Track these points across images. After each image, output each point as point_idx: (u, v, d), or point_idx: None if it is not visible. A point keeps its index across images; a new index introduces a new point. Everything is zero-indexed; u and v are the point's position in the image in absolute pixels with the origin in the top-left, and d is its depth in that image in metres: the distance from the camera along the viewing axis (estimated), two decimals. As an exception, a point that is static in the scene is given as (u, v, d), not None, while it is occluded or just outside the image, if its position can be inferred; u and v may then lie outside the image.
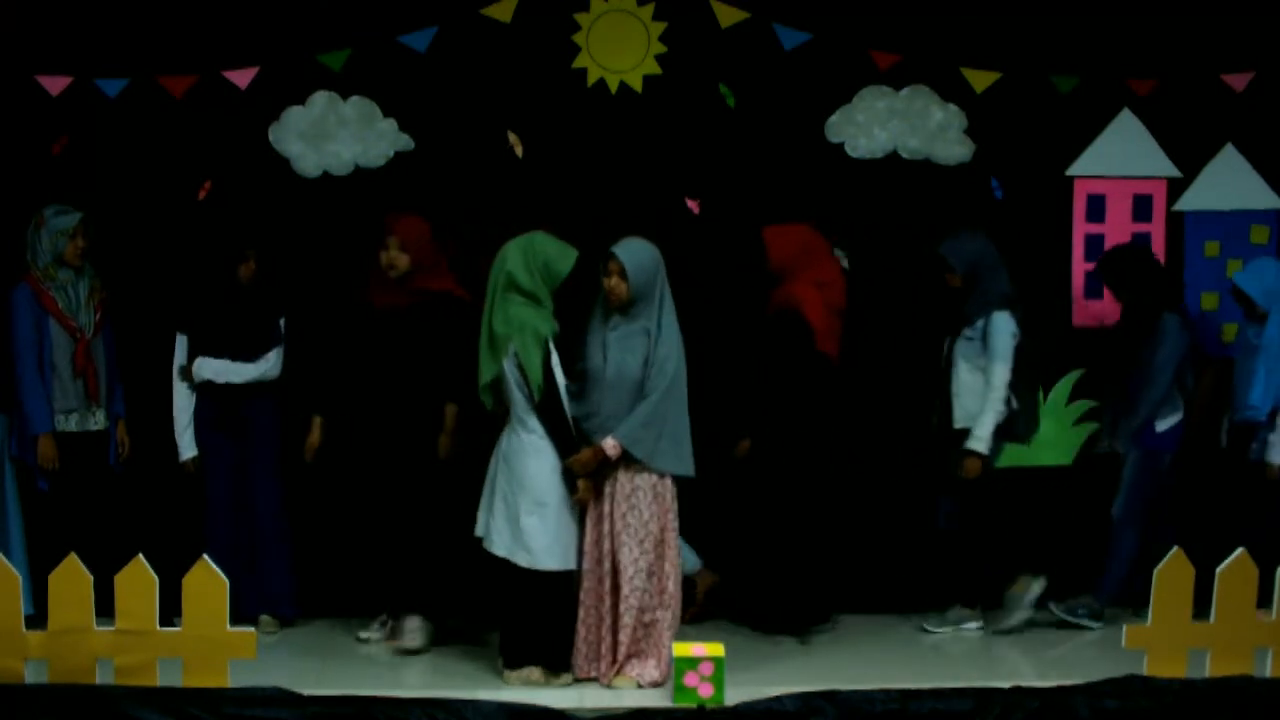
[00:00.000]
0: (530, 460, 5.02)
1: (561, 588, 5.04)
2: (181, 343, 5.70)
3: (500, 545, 5.05)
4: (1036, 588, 5.85)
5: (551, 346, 5.01)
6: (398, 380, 5.47)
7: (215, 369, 5.64)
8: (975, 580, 5.89)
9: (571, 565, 5.05)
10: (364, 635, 5.64)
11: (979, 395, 5.68)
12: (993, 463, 5.73)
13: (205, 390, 5.68)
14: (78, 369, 5.59)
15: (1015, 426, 5.77)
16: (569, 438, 5.00)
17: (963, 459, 5.65)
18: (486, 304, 5.10)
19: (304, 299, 5.84)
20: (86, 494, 5.61)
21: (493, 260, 5.12)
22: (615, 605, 4.99)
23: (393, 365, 5.47)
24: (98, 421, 5.68)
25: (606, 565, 5.01)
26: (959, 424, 5.74)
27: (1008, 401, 5.68)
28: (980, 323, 5.69)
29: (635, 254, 5.01)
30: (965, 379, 5.73)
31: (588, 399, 5.06)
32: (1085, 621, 5.86)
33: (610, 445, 4.94)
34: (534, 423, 5.02)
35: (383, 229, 5.48)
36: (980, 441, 5.65)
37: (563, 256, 5.05)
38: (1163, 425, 5.86)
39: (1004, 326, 5.64)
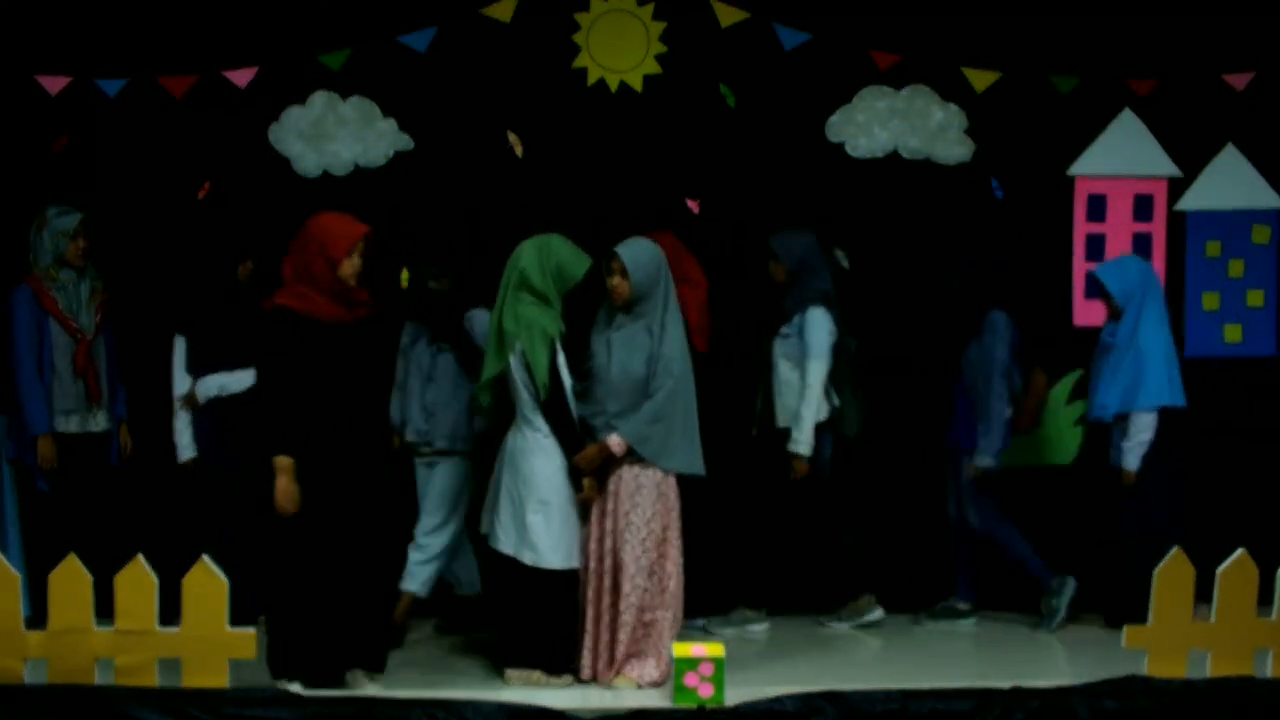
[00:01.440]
0: (536, 459, 5.02)
1: (565, 586, 5.04)
2: (181, 344, 5.70)
3: (506, 543, 5.05)
4: (873, 615, 5.81)
5: (558, 346, 5.03)
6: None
7: (218, 384, 5.63)
8: (759, 581, 5.84)
9: (575, 564, 5.05)
10: None
11: (799, 393, 5.62)
12: (822, 462, 5.68)
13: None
14: (78, 370, 5.58)
15: (840, 423, 5.69)
16: (575, 436, 5.01)
17: (790, 460, 5.62)
18: (497, 301, 5.12)
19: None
20: (86, 495, 5.61)
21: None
22: (615, 604, 4.99)
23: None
24: (98, 423, 5.68)
25: (608, 563, 5.01)
26: (781, 423, 5.68)
27: (829, 398, 5.61)
28: (797, 319, 5.64)
29: (637, 254, 5.02)
30: (785, 377, 5.67)
31: (593, 398, 5.07)
32: (959, 624, 5.85)
33: (615, 442, 4.94)
34: (539, 422, 5.03)
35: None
36: (800, 443, 5.59)
37: (577, 261, 5.08)
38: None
39: (820, 322, 5.56)
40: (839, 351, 5.65)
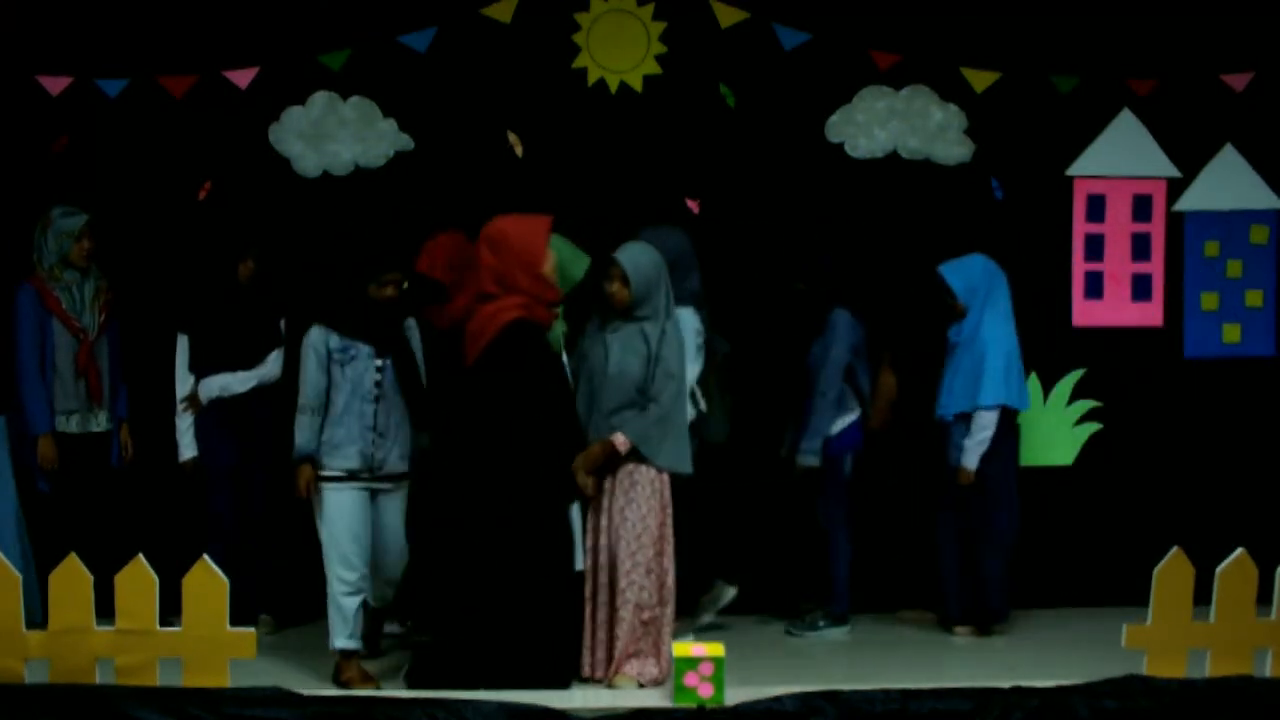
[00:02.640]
0: None
1: (569, 588, 5.05)
2: (183, 343, 5.70)
3: None
4: (727, 595, 5.77)
5: (562, 346, 5.05)
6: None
7: (220, 384, 5.63)
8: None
9: (580, 565, 5.06)
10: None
11: None
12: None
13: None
14: (80, 370, 5.58)
15: (704, 429, 5.53)
16: (580, 436, 5.02)
17: None
18: None
19: (303, 300, 5.84)
20: (87, 495, 5.61)
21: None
22: (613, 602, 5.00)
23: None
24: (99, 423, 5.68)
25: (605, 562, 5.01)
26: None
27: (695, 403, 5.43)
28: None
29: (636, 260, 5.03)
30: None
31: (587, 398, 5.07)
32: (829, 633, 5.80)
33: (620, 441, 4.95)
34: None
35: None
36: None
37: (577, 262, 5.11)
38: (838, 426, 5.74)
39: (687, 323, 5.38)
40: (708, 354, 5.51)
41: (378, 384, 4.97)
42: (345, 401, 4.95)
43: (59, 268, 5.56)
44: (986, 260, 5.76)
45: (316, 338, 4.97)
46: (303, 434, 4.97)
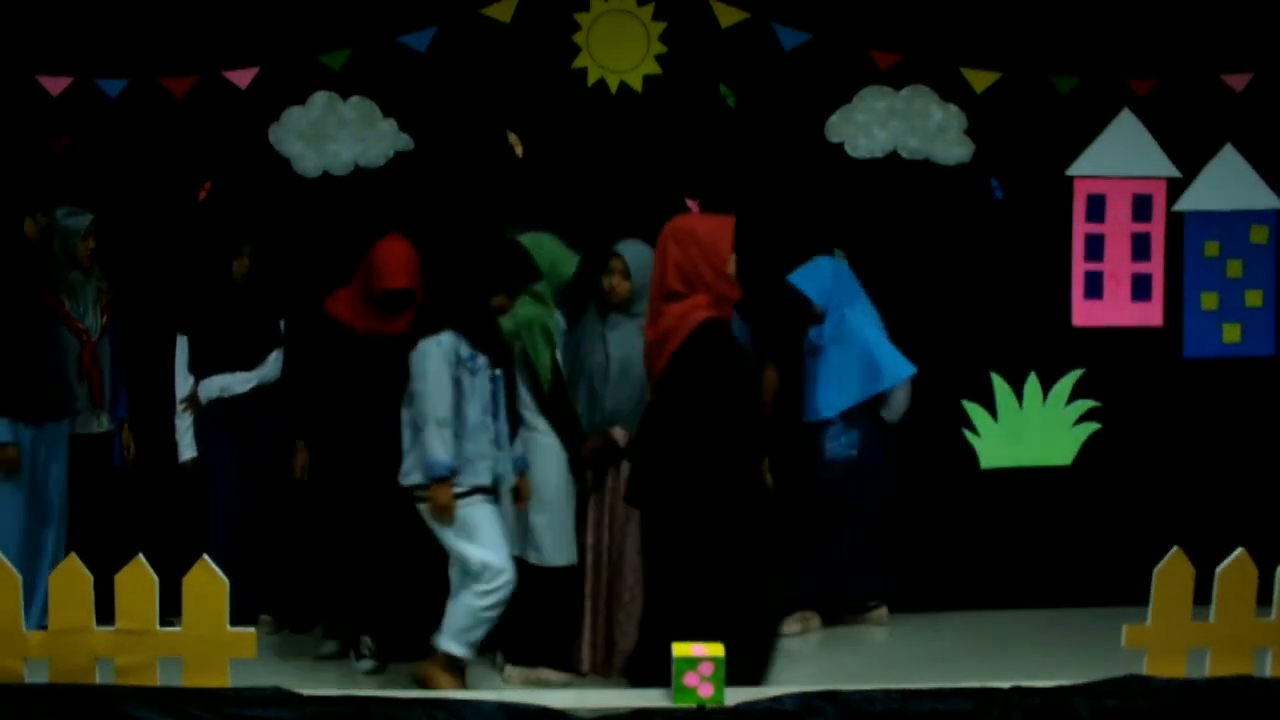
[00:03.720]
0: (535, 459, 5.03)
1: (567, 584, 5.05)
2: (182, 344, 5.70)
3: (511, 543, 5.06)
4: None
5: (556, 343, 5.05)
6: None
7: (220, 385, 5.63)
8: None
9: (574, 560, 5.06)
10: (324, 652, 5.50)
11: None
12: None
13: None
14: (83, 371, 5.57)
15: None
16: (578, 431, 5.02)
17: None
18: None
19: (304, 300, 5.84)
20: (89, 496, 5.60)
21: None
22: (614, 597, 5.01)
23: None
24: (101, 424, 5.67)
25: (607, 558, 5.02)
26: None
27: None
28: None
29: (638, 254, 5.04)
30: None
31: (587, 394, 5.07)
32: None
33: (619, 435, 4.96)
34: (537, 421, 5.04)
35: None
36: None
37: (567, 260, 5.11)
38: None
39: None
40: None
41: (494, 396, 4.84)
42: (478, 414, 4.78)
43: (64, 268, 5.55)
44: (834, 260, 5.80)
45: (448, 344, 4.71)
46: (445, 449, 4.68)
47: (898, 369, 5.68)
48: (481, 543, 4.74)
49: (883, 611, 5.96)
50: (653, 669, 4.49)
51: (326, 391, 5.33)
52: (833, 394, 5.68)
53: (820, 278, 5.75)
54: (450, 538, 4.76)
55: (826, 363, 5.70)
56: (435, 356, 4.67)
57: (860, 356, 5.65)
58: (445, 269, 4.93)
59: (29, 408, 5.32)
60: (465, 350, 4.73)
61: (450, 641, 4.77)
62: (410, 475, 4.79)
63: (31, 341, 5.33)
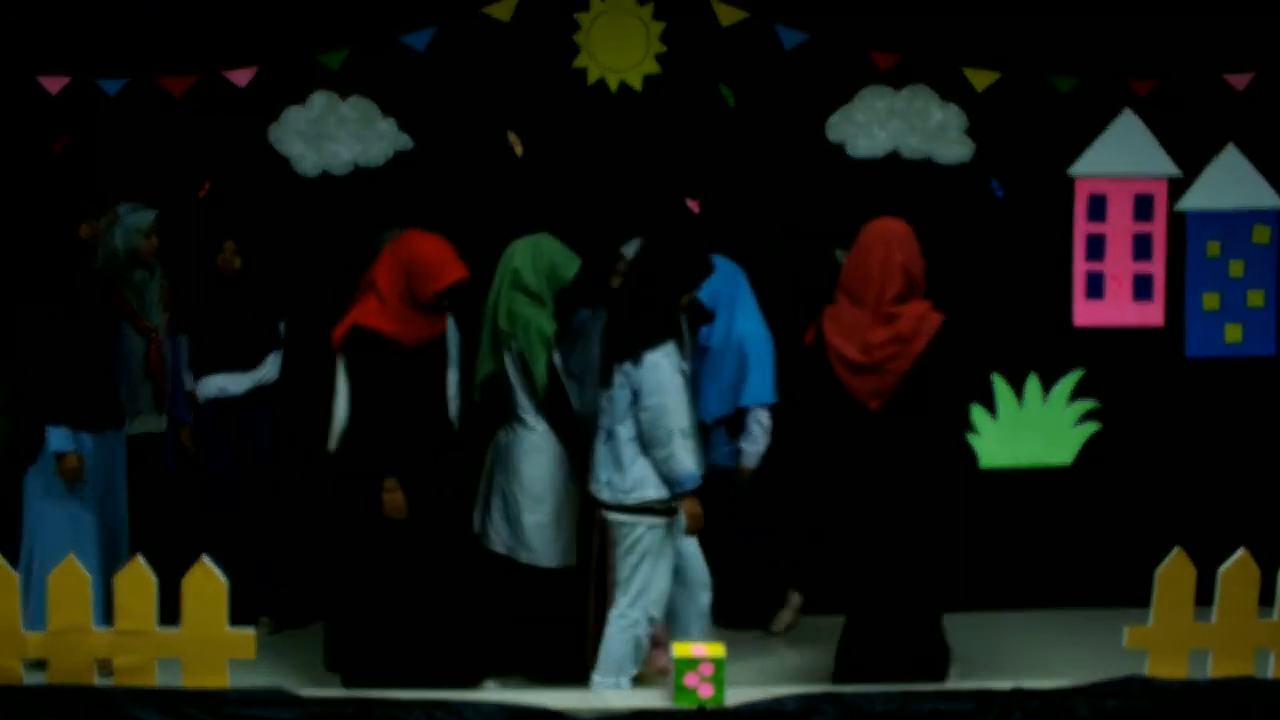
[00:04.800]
0: (530, 458, 5.04)
1: (560, 585, 5.04)
2: (183, 344, 5.69)
3: (499, 542, 5.06)
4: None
5: (553, 345, 5.05)
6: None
7: (218, 385, 5.63)
8: None
9: (571, 562, 5.06)
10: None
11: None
12: None
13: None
14: (149, 371, 5.52)
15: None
16: (575, 432, 5.02)
17: None
18: (490, 300, 5.13)
19: (303, 300, 5.84)
20: (145, 498, 5.52)
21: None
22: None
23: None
24: (159, 424, 5.62)
25: (608, 560, 5.01)
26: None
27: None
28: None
29: None
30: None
31: (589, 395, 5.07)
32: None
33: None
34: (534, 420, 5.04)
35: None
36: None
37: (567, 262, 5.12)
38: None
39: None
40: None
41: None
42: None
43: (128, 267, 5.49)
44: (723, 261, 5.60)
45: (674, 353, 4.68)
46: (692, 460, 4.65)
47: (760, 392, 5.53)
48: (663, 563, 4.74)
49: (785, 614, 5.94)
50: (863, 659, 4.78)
51: (404, 418, 4.88)
52: (713, 401, 5.59)
53: (710, 280, 5.39)
54: (645, 557, 4.71)
55: (710, 367, 5.59)
56: (667, 367, 4.60)
57: (738, 369, 5.55)
58: (659, 277, 4.79)
59: (92, 416, 5.18)
60: (679, 357, 4.71)
61: (613, 674, 4.76)
62: (638, 490, 4.67)
63: (93, 348, 5.20)
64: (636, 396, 4.60)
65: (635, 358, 4.60)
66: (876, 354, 4.67)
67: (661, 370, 4.58)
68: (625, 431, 4.66)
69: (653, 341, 4.61)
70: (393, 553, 4.81)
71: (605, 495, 4.72)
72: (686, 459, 4.61)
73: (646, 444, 4.62)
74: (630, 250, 5.09)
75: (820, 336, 4.85)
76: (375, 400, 4.79)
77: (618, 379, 4.67)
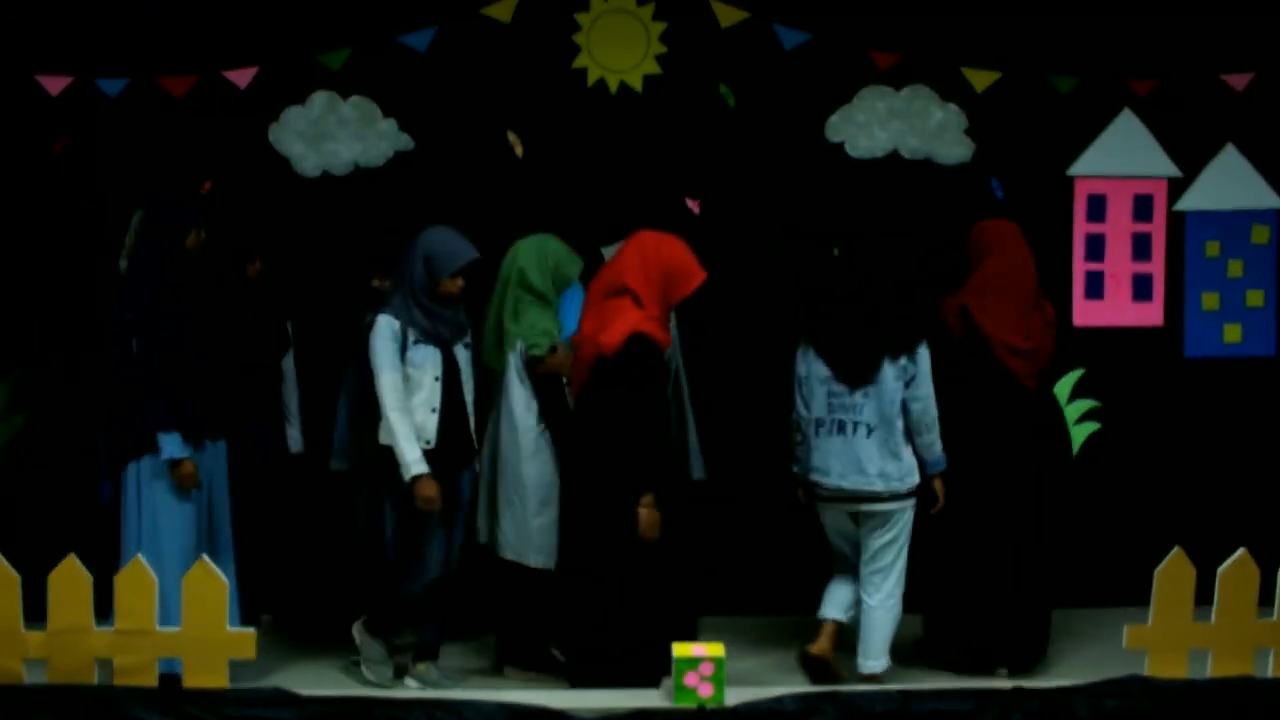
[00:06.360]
0: (530, 461, 5.04)
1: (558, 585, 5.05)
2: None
3: (509, 549, 5.06)
4: None
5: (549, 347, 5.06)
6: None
7: None
8: None
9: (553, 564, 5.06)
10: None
11: None
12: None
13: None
14: None
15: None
16: (571, 433, 5.02)
17: None
18: (495, 298, 5.14)
19: (307, 301, 5.85)
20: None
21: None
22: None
23: None
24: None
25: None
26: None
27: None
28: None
29: None
30: None
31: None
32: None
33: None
34: (534, 421, 5.04)
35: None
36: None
37: (572, 262, 5.15)
38: None
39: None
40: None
41: None
42: None
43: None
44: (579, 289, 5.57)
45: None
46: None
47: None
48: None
49: None
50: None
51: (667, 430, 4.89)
52: None
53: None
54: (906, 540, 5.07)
55: None
56: (929, 357, 5.01)
57: None
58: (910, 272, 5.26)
59: (202, 426, 5.01)
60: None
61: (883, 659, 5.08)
62: (910, 477, 5.00)
63: (201, 358, 5.03)
64: (908, 386, 4.94)
65: (911, 351, 4.95)
66: (1037, 338, 5.31)
67: (928, 360, 4.99)
68: (900, 422, 4.97)
69: (924, 333, 5.03)
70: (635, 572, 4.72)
71: (879, 486, 4.95)
72: (940, 442, 5.07)
73: (916, 430, 5.00)
74: (610, 253, 5.08)
75: (973, 328, 5.23)
76: (649, 411, 4.69)
77: (891, 372, 4.93)
